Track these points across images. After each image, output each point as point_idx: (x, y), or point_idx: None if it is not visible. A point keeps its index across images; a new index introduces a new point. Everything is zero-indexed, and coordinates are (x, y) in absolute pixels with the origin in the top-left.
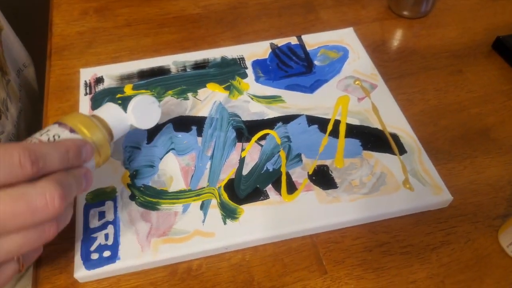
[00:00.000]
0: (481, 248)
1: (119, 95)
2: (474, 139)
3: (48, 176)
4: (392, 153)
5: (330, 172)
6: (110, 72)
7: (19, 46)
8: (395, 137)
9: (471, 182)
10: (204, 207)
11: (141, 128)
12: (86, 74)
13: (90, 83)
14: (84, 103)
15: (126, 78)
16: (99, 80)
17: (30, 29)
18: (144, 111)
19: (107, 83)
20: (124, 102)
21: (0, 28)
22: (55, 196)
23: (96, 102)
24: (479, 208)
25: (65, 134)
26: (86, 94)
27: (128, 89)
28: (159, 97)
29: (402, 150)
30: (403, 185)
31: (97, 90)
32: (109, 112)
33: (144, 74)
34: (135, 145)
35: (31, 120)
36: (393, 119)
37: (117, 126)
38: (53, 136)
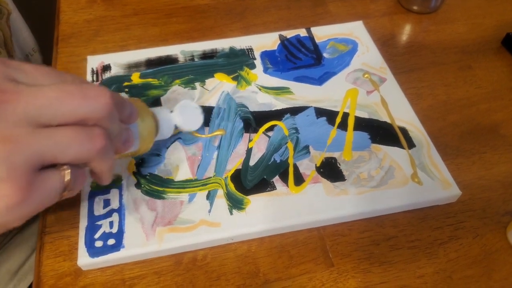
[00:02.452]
0: (489, 244)
1: (126, 83)
2: (482, 135)
3: None
4: (401, 147)
5: (338, 165)
6: (118, 60)
7: (27, 32)
8: (404, 131)
9: (480, 177)
10: (210, 197)
11: (184, 129)
12: (93, 62)
13: (97, 70)
14: None
15: (133, 67)
16: (106, 67)
17: (38, 17)
18: (188, 114)
19: (114, 71)
20: (131, 90)
21: (9, 12)
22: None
23: None
24: (487, 204)
25: None
26: (93, 81)
27: (135, 77)
28: (167, 86)
29: (411, 144)
30: (412, 179)
31: (104, 77)
32: (160, 110)
33: (151, 63)
34: None
35: None
36: (402, 113)
37: (164, 124)
38: None
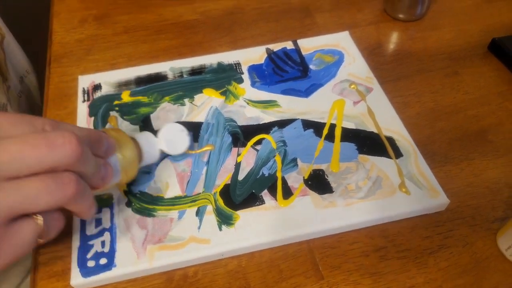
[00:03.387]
0: (479, 252)
1: (116, 102)
2: (471, 141)
3: None
4: (388, 156)
5: (326, 177)
6: (108, 79)
7: (20, 54)
8: (391, 140)
9: (468, 184)
10: (199, 213)
11: (170, 153)
12: (84, 81)
13: (88, 90)
14: (82, 110)
15: (123, 85)
16: (97, 87)
17: (32, 38)
18: (174, 137)
19: (105, 90)
20: (121, 109)
21: (2, 36)
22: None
23: (94, 109)
24: (477, 211)
25: None
26: (84, 101)
27: (125, 96)
28: (156, 103)
29: (398, 154)
30: (399, 189)
31: (95, 97)
32: (143, 136)
33: (141, 81)
34: None
35: None
36: (389, 122)
37: (148, 149)
38: None
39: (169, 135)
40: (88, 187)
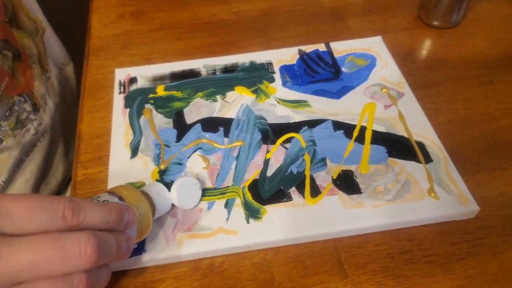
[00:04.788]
0: (509, 262)
1: (151, 95)
2: (504, 150)
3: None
4: (418, 161)
5: (355, 178)
6: (143, 73)
7: (59, 46)
8: (421, 145)
9: (500, 194)
10: (228, 205)
11: (182, 207)
12: (121, 74)
13: (124, 82)
14: (118, 102)
15: (158, 79)
16: (133, 80)
17: (72, 31)
18: (186, 192)
19: (140, 83)
20: (156, 102)
21: (43, 30)
22: (89, 246)
23: (129, 101)
24: (508, 220)
25: (113, 200)
26: (120, 93)
27: (160, 90)
28: (190, 98)
29: (428, 159)
30: (428, 194)
31: (130, 89)
32: (155, 190)
33: (175, 76)
34: (165, 143)
35: (67, 115)
36: (419, 128)
37: (161, 203)
38: (103, 201)
39: (182, 189)
40: (102, 274)
